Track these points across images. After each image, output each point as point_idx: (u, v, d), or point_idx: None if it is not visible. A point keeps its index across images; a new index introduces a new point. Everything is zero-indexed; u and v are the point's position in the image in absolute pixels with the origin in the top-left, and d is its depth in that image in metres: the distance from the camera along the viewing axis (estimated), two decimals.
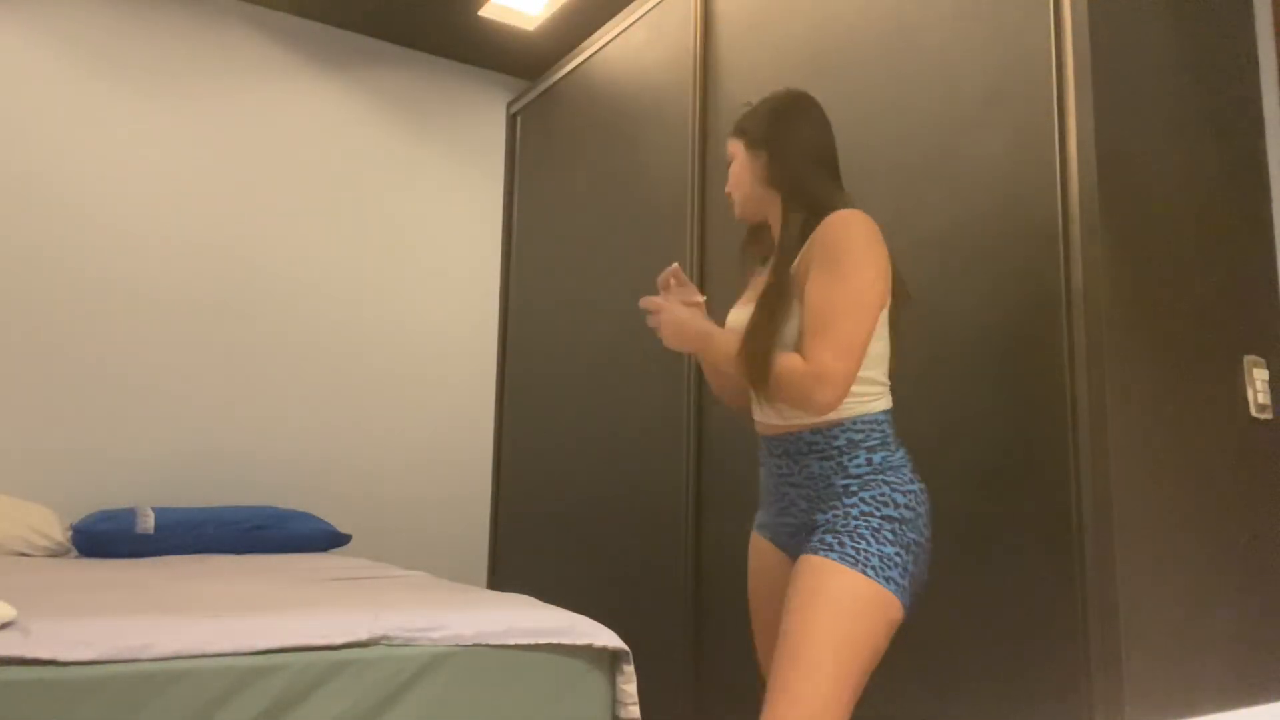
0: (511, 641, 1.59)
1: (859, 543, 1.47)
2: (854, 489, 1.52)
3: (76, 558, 2.68)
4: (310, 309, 3.51)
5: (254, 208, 3.44)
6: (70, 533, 2.73)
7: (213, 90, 3.40)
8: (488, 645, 1.57)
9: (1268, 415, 1.80)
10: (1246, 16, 1.96)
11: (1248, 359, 1.79)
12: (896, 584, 1.46)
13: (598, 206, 3.10)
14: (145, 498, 3.14)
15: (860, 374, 1.53)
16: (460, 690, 1.53)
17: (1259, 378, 1.79)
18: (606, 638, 1.66)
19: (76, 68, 3.17)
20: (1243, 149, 1.89)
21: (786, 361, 1.48)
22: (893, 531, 1.48)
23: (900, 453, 1.56)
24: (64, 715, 1.24)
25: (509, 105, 3.96)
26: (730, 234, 2.44)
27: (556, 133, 3.44)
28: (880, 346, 1.56)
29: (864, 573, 1.45)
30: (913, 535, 1.49)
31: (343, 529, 3.47)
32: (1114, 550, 1.51)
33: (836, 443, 1.55)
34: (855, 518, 1.49)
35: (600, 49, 3.24)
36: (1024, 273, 1.70)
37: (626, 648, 1.68)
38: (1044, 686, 1.58)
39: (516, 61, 3.93)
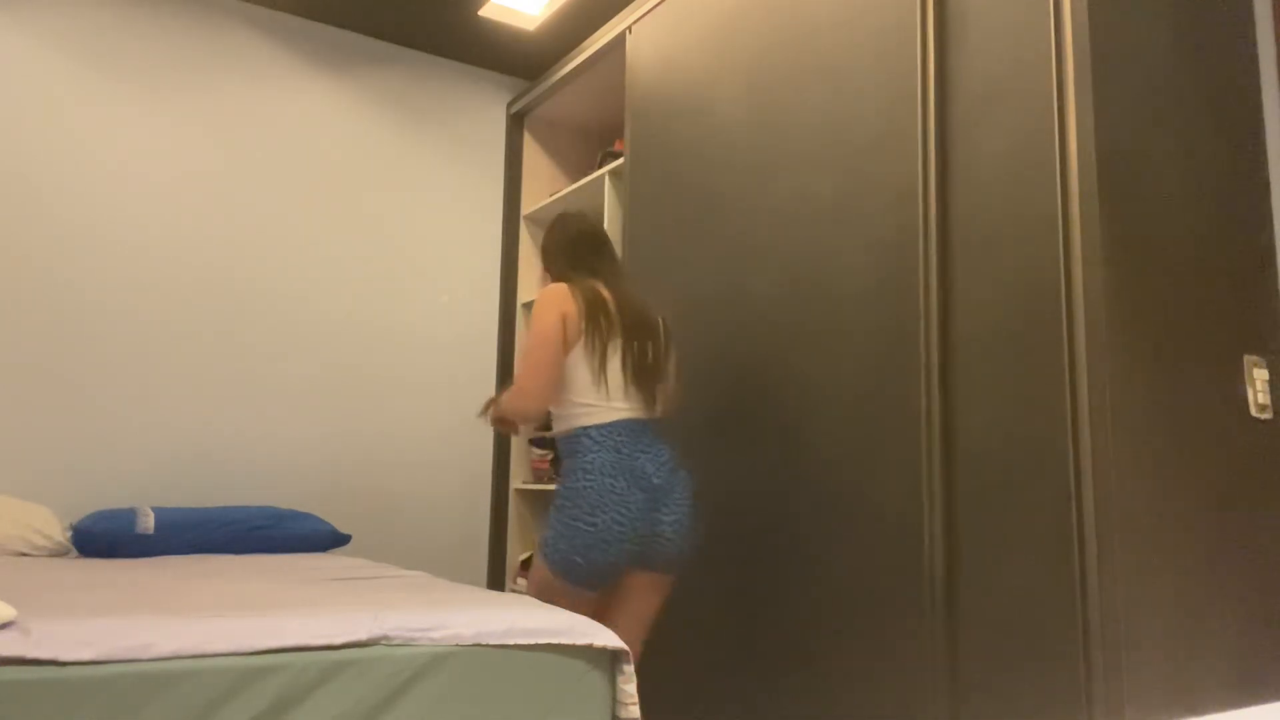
0: (511, 641, 1.59)
1: (543, 531, 2.15)
2: (557, 489, 2.15)
3: (76, 558, 2.68)
4: (310, 308, 3.51)
5: (252, 207, 3.44)
6: (70, 533, 2.73)
7: (212, 90, 3.40)
8: (488, 645, 1.57)
9: (1268, 415, 1.80)
10: (1246, 16, 1.96)
11: (1248, 359, 1.79)
12: (547, 556, 2.10)
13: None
14: (145, 498, 3.14)
15: (568, 399, 2.17)
16: (460, 690, 1.53)
17: (1259, 378, 1.79)
18: (606, 638, 1.66)
19: (75, 67, 3.17)
20: (1243, 148, 1.89)
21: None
22: (557, 520, 2.10)
23: (590, 457, 2.11)
24: (64, 715, 1.24)
25: (509, 105, 3.96)
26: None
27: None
28: (579, 375, 2.16)
29: (538, 554, 2.15)
30: (569, 518, 2.08)
31: (343, 529, 3.47)
32: (1114, 550, 1.51)
33: (559, 453, 2.22)
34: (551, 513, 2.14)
35: (601, 49, 3.24)
36: (1024, 272, 1.70)
37: (626, 648, 1.67)
38: (1044, 687, 1.58)
39: (516, 61, 3.93)
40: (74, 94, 3.16)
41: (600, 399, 2.16)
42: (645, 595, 2.21)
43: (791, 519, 2.14)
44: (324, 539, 3.01)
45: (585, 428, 2.15)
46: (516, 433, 2.43)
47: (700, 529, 2.42)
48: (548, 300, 2.16)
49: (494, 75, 4.03)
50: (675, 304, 2.63)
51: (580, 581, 2.09)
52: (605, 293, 2.23)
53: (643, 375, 2.21)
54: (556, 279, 2.30)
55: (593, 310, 2.17)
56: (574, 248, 2.33)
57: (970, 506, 1.75)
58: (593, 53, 3.30)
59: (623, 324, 2.21)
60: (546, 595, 2.14)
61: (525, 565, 3.58)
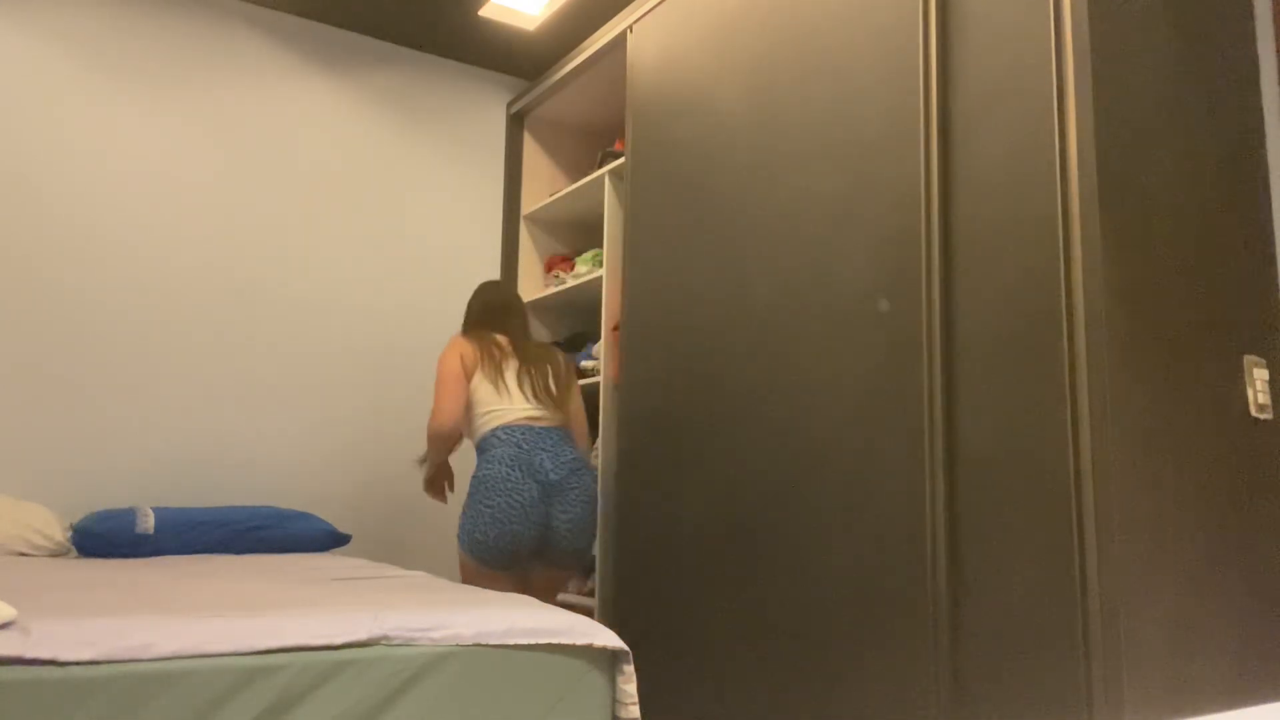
0: (511, 641, 1.59)
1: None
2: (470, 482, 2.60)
3: (76, 558, 2.68)
4: (310, 308, 3.51)
5: (252, 207, 3.44)
6: (70, 533, 2.73)
7: (212, 90, 3.40)
8: (488, 645, 1.57)
9: (1268, 415, 1.80)
10: (1246, 16, 1.97)
11: (1248, 359, 1.79)
12: (459, 537, 2.52)
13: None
14: (145, 498, 3.14)
15: (477, 412, 2.64)
16: (460, 690, 1.53)
17: (1259, 378, 1.79)
18: (606, 638, 1.66)
19: (75, 67, 3.17)
20: (1243, 149, 1.89)
21: None
22: (466, 505, 2.52)
23: (492, 453, 2.53)
24: (64, 715, 1.24)
25: (509, 105, 3.96)
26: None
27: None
28: (483, 391, 2.63)
29: (456, 539, 2.76)
30: (474, 503, 2.49)
31: (343, 529, 3.47)
32: (1114, 551, 1.51)
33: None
34: None
35: (601, 48, 3.24)
36: (1024, 273, 1.70)
37: (626, 648, 1.68)
38: (1045, 687, 1.58)
39: (516, 61, 3.93)
40: (74, 94, 3.16)
41: (503, 405, 2.58)
42: (547, 591, 2.61)
43: (793, 520, 2.14)
44: (324, 539, 3.02)
45: (493, 429, 2.56)
46: (443, 499, 2.84)
47: (593, 532, 2.67)
48: (447, 348, 2.71)
49: (494, 75, 4.03)
50: (674, 305, 2.63)
51: (487, 560, 2.46)
52: (500, 338, 2.71)
53: (542, 391, 2.62)
54: (464, 333, 2.80)
55: (484, 344, 2.68)
56: (485, 311, 2.83)
57: (972, 507, 1.75)
58: (593, 52, 3.30)
59: (517, 355, 2.67)
60: (465, 576, 2.48)
61: None
